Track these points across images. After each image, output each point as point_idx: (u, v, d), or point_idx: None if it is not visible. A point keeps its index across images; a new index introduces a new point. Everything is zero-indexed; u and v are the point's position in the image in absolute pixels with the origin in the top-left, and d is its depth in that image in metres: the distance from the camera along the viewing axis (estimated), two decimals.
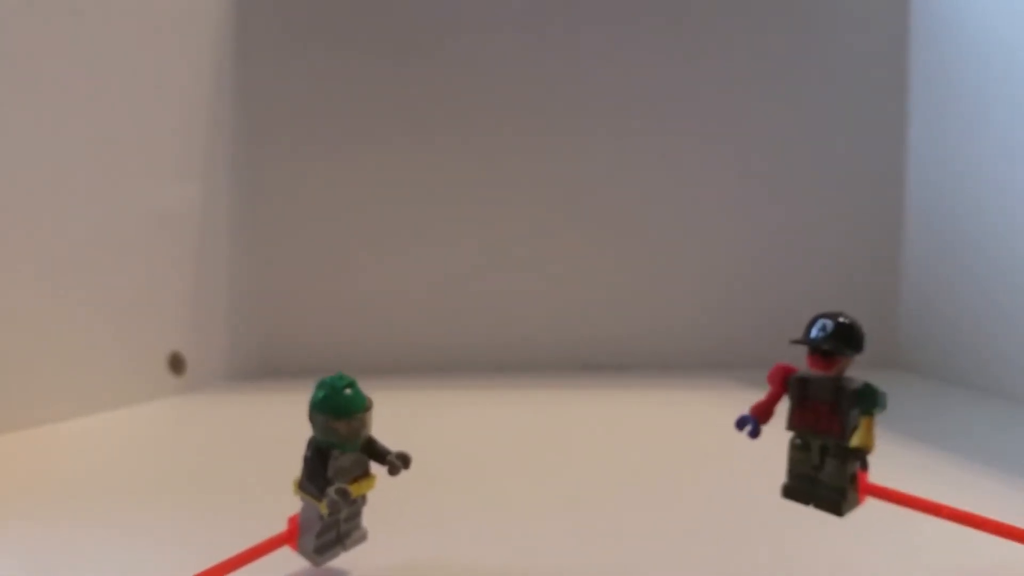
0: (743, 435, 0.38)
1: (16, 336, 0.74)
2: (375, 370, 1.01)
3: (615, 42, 1.04)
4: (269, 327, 1.03)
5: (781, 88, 1.05)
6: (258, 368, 1.02)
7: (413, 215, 1.05)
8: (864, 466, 0.36)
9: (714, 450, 0.64)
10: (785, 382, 0.37)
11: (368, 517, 0.45)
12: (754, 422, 0.37)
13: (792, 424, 0.37)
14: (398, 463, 0.38)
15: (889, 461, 0.65)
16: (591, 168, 1.05)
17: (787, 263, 1.06)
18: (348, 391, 0.37)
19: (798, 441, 0.37)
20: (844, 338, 0.36)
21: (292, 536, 0.40)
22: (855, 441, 0.35)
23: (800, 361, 0.38)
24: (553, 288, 1.06)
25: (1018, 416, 0.79)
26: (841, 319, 0.36)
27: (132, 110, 0.86)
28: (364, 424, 0.38)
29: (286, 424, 0.82)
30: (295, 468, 0.65)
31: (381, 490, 0.58)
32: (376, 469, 0.40)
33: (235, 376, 0.99)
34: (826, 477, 0.36)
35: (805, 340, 0.36)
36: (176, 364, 0.91)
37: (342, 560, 0.44)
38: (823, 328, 0.36)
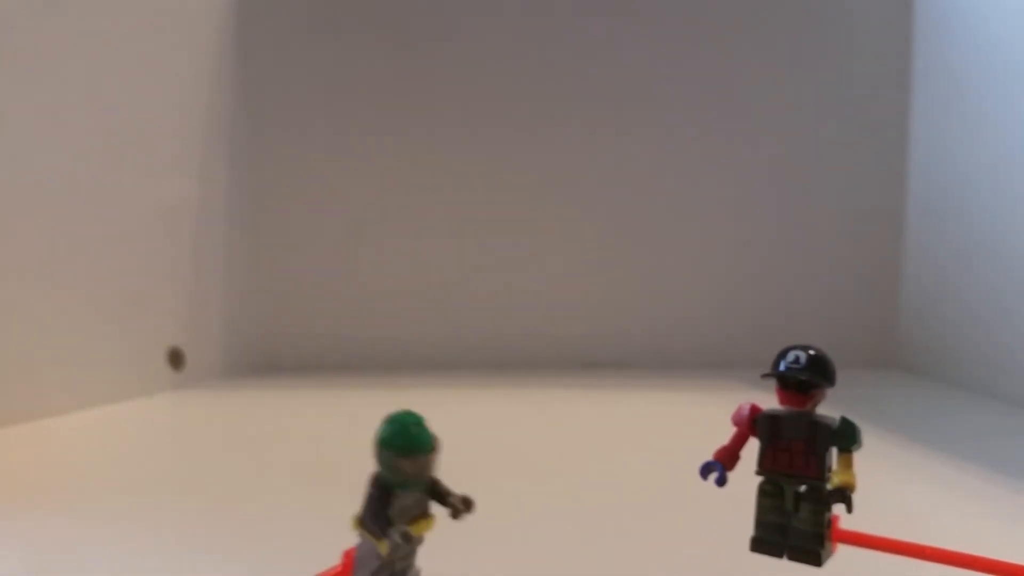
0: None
1: (14, 331, 0.74)
2: (373, 366, 1.01)
3: (616, 40, 1.04)
4: (267, 322, 1.03)
5: (783, 87, 1.05)
6: (256, 363, 1.02)
7: (413, 211, 1.04)
8: (849, 507, 0.33)
9: (715, 449, 0.64)
10: (753, 422, 0.35)
11: None
12: (720, 468, 0.35)
13: (763, 467, 0.34)
14: (460, 507, 0.37)
15: (888, 462, 0.65)
16: (593, 167, 1.05)
17: (788, 262, 1.06)
18: (416, 429, 0.36)
19: (768, 487, 0.34)
20: (820, 370, 0.33)
21: (347, 572, 0.39)
22: (837, 480, 0.33)
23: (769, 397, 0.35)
24: (554, 286, 1.06)
25: (1018, 417, 0.79)
26: (812, 351, 0.34)
27: (131, 105, 0.86)
28: (430, 463, 0.37)
29: (283, 419, 0.82)
30: (293, 463, 0.65)
31: None
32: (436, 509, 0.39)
33: (233, 371, 0.99)
34: (802, 523, 0.33)
35: (778, 372, 0.34)
36: (175, 359, 0.91)
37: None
38: (796, 359, 0.33)
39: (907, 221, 1.04)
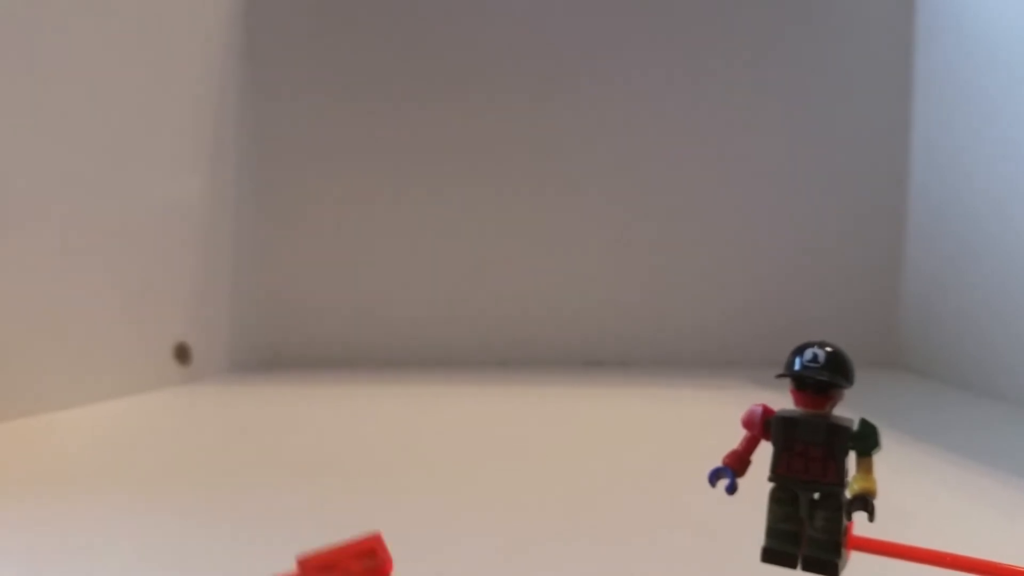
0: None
1: (23, 325, 0.75)
2: (378, 363, 1.02)
3: (618, 43, 1.04)
4: (274, 318, 1.04)
5: (784, 88, 1.05)
6: (262, 359, 1.02)
7: (418, 209, 1.05)
8: (871, 515, 0.30)
9: (719, 449, 0.65)
10: (765, 425, 0.32)
11: (367, 512, 0.45)
12: (731, 475, 0.32)
13: (777, 472, 0.32)
14: None
15: (888, 462, 0.66)
16: (596, 166, 1.05)
17: (789, 261, 1.06)
18: None
19: (781, 493, 0.32)
20: (839, 368, 0.31)
21: None
22: (857, 486, 0.31)
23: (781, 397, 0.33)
24: (556, 284, 1.06)
25: (1017, 417, 0.80)
26: (829, 348, 0.31)
27: (139, 102, 0.86)
28: None
29: (289, 415, 0.83)
30: (297, 458, 0.65)
31: (380, 485, 0.58)
32: None
33: (239, 367, 1.00)
34: (817, 532, 0.31)
35: (795, 372, 0.31)
36: (182, 354, 0.91)
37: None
38: (814, 358, 0.31)
39: (908, 221, 1.05)
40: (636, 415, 0.81)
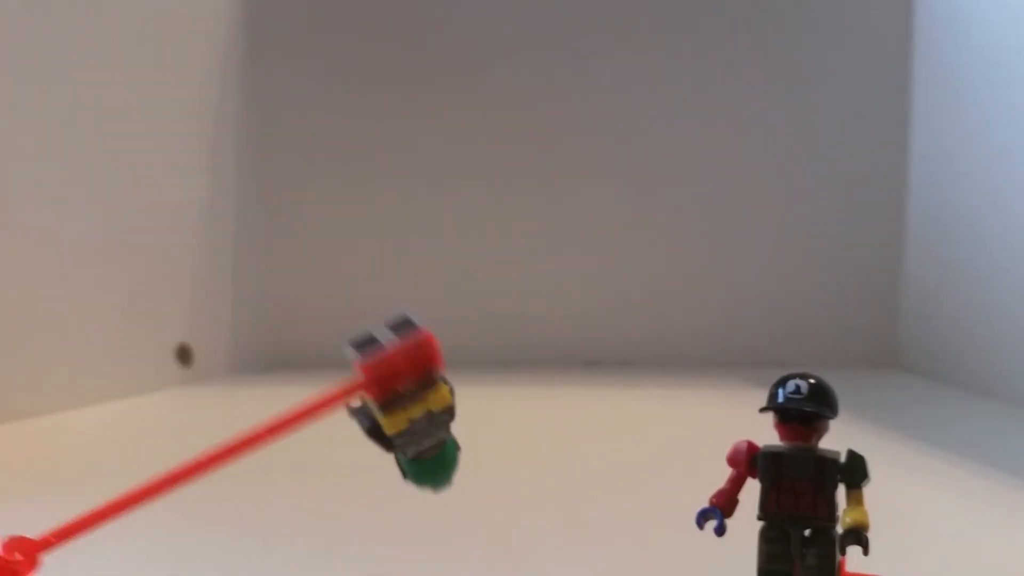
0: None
1: (25, 325, 0.75)
2: None
3: (619, 40, 1.05)
4: (275, 319, 1.04)
5: (784, 88, 1.05)
6: (264, 360, 1.02)
7: (418, 209, 1.05)
8: (866, 549, 0.29)
9: (718, 449, 0.65)
10: (751, 461, 0.31)
11: (367, 511, 0.45)
12: (719, 515, 0.31)
13: (767, 511, 0.31)
14: None
15: (887, 462, 0.66)
16: (597, 167, 1.05)
17: (789, 261, 1.07)
18: None
19: (772, 532, 0.31)
20: (823, 399, 0.30)
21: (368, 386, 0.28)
22: (849, 519, 0.30)
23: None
24: (556, 284, 1.06)
25: (1017, 417, 0.80)
26: (812, 379, 0.30)
27: (142, 105, 0.86)
28: None
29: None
30: (299, 459, 0.65)
31: (380, 485, 0.58)
32: None
33: (241, 368, 1.00)
34: (812, 570, 0.30)
35: (778, 404, 0.30)
36: (184, 355, 0.91)
37: (337, 555, 0.44)
38: (797, 389, 0.30)
39: (907, 221, 1.05)
40: (636, 415, 0.81)
